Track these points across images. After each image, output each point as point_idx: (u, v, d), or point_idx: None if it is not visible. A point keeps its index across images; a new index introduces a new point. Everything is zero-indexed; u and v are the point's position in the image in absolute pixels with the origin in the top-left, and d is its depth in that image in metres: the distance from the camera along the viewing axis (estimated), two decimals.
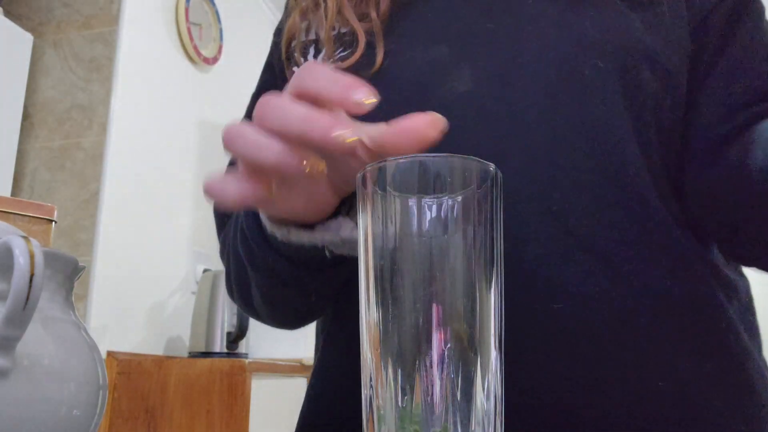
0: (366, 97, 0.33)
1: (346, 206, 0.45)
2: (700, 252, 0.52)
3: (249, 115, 0.69)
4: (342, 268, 0.50)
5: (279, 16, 0.72)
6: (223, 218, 0.65)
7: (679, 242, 0.51)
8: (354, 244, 0.43)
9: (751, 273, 0.58)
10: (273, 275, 0.50)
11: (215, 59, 2.48)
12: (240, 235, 0.52)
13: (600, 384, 0.48)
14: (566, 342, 0.48)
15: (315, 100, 0.34)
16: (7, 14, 2.00)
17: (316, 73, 0.35)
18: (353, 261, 0.48)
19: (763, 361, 0.54)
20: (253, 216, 0.48)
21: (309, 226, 0.45)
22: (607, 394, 0.48)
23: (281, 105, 0.34)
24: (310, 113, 0.33)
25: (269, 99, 0.35)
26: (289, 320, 0.61)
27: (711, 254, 0.54)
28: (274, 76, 0.67)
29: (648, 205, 0.51)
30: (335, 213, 0.45)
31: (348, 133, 0.32)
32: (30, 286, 0.35)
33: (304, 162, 0.34)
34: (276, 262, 0.48)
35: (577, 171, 0.47)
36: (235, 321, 2.10)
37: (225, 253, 0.62)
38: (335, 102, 0.34)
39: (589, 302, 0.49)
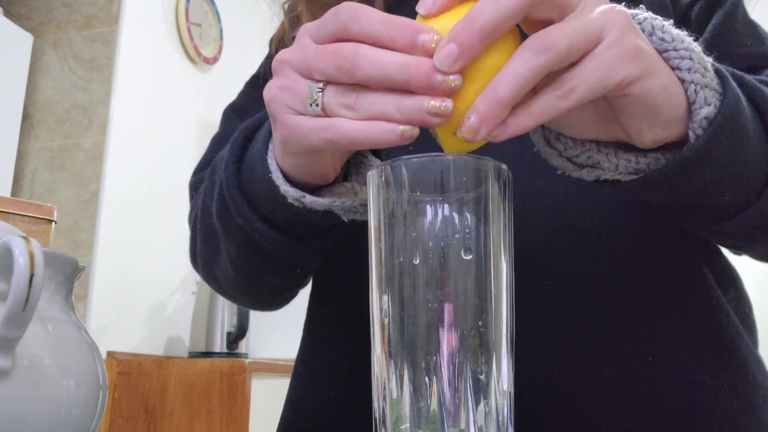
0: (432, 38, 0.32)
1: (341, 173, 0.45)
2: (689, 234, 0.53)
3: (226, 125, 0.68)
4: (330, 238, 0.49)
5: (279, 16, 0.73)
6: (194, 187, 0.64)
7: (667, 223, 0.52)
8: (365, 208, 0.43)
9: (755, 271, 0.58)
10: (254, 246, 0.48)
11: (215, 59, 2.48)
12: (218, 205, 0.50)
13: (589, 361, 0.49)
14: (555, 320, 0.49)
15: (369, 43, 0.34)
16: (7, 14, 2.00)
17: (365, 16, 0.34)
18: (342, 230, 0.48)
19: (759, 355, 0.54)
20: (236, 186, 0.46)
21: (314, 190, 0.44)
22: (597, 372, 0.48)
23: (373, 54, 0.33)
24: (409, 59, 0.33)
25: (349, 48, 0.34)
26: (262, 296, 0.60)
27: (701, 238, 0.55)
28: (258, 90, 0.67)
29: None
30: (336, 179, 0.45)
31: (451, 77, 0.32)
32: (30, 287, 0.35)
33: (401, 128, 0.34)
34: (263, 231, 0.46)
35: None
36: (235, 321, 2.10)
37: (192, 219, 0.60)
38: (399, 48, 0.33)
39: (574, 279, 0.50)
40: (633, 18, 0.37)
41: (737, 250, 0.53)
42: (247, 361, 1.85)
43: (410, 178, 0.32)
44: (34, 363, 0.38)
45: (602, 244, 0.51)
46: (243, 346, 2.14)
